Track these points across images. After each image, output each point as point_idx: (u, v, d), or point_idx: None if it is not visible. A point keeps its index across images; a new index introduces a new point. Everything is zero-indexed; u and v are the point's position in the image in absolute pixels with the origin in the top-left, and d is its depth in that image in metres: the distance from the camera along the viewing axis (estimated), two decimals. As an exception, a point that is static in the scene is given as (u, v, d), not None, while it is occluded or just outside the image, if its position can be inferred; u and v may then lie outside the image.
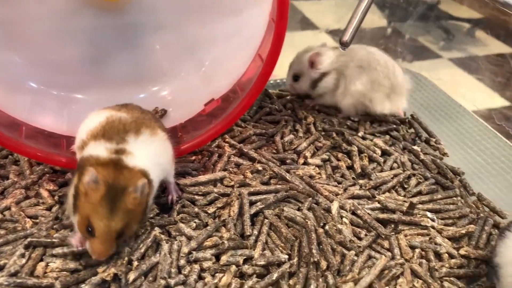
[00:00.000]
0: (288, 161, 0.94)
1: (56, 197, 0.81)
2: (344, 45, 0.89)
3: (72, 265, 0.70)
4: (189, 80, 0.95)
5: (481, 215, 0.85)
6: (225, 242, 0.73)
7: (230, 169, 0.91)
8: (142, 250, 0.72)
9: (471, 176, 0.97)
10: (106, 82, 0.92)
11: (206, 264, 0.71)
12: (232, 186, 0.85)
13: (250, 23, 0.89)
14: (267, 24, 0.86)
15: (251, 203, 0.83)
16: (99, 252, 0.66)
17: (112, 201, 0.65)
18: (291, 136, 0.99)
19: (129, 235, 0.71)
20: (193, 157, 0.92)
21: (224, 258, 0.72)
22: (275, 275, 0.71)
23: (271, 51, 0.79)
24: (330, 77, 1.04)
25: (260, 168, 0.90)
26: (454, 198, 0.88)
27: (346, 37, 0.88)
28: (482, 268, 0.76)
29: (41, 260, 0.70)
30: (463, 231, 0.81)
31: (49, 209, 0.79)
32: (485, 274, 0.75)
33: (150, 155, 0.73)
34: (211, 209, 0.80)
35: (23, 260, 0.69)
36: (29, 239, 0.72)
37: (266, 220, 0.81)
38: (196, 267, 0.70)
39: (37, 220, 0.77)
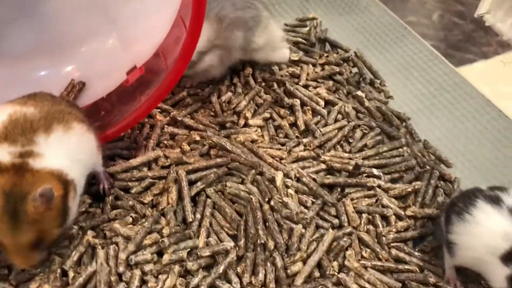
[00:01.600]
0: (227, 124, 0.87)
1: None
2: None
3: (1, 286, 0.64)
4: (104, 45, 0.82)
5: (427, 167, 0.84)
6: (165, 240, 0.69)
7: (165, 141, 0.83)
8: (75, 258, 0.67)
9: (417, 113, 0.94)
10: (4, 56, 0.78)
11: (147, 267, 0.67)
12: (168, 166, 0.79)
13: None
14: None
15: (191, 183, 0.77)
16: (18, 264, 0.62)
17: (13, 212, 0.58)
18: (229, 94, 0.91)
19: (50, 241, 0.64)
20: (122, 133, 0.83)
21: (166, 258, 0.68)
22: (221, 267, 0.68)
23: (193, 17, 0.68)
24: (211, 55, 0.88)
25: (198, 138, 0.83)
26: (400, 149, 0.86)
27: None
28: (428, 227, 0.76)
29: (-36, 288, 0.65)
30: (410, 189, 0.79)
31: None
32: (431, 232, 0.76)
33: (66, 153, 0.65)
34: (147, 198, 0.75)
35: None
36: None
37: (208, 200, 0.76)
38: (137, 272, 0.66)
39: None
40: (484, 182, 0.83)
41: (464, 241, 0.66)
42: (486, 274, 0.65)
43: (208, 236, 0.73)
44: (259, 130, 0.87)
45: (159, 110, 0.88)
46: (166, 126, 0.85)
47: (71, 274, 0.66)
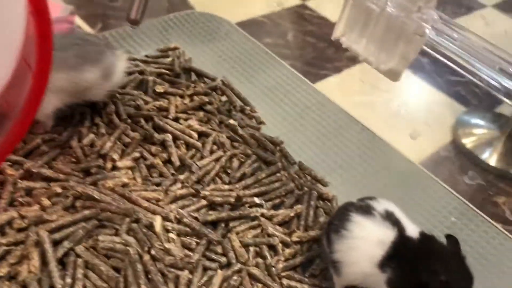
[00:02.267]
0: (93, 170, 0.78)
1: None
2: (133, 23, 0.74)
3: None
4: None
5: (305, 188, 0.84)
6: (30, 317, 0.59)
7: (20, 199, 0.72)
8: None
9: (288, 135, 0.95)
10: None
11: None
12: (26, 228, 0.68)
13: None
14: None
15: (56, 243, 0.68)
16: None
17: None
18: (91, 136, 0.83)
19: None
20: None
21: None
22: (103, 336, 0.60)
23: (39, 57, 0.60)
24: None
25: (59, 190, 0.73)
26: (278, 174, 0.85)
27: (134, 14, 0.72)
28: (314, 249, 0.76)
29: None
30: (292, 214, 0.79)
31: None
32: (318, 255, 0.76)
33: None
34: (2, 270, 0.63)
35: None
36: None
37: (79, 260, 0.67)
38: None
39: None
40: (359, 195, 0.87)
41: (345, 258, 0.66)
42: (372, 287, 0.67)
43: (84, 301, 0.64)
44: (129, 172, 0.80)
45: (9, 163, 0.76)
46: (19, 180, 0.74)
47: None
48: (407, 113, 1.08)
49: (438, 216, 0.89)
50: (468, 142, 1.01)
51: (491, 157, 0.99)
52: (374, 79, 1.15)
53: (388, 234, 0.64)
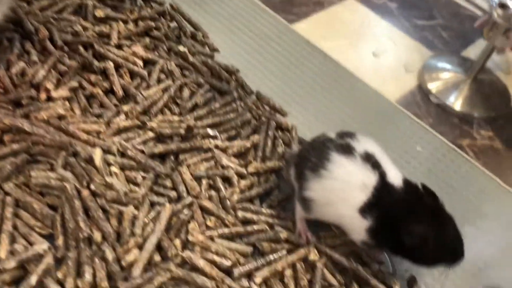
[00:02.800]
0: (24, 101, 0.70)
1: None
2: None
3: None
4: None
5: (263, 118, 0.78)
6: None
7: None
8: None
9: (246, 66, 0.88)
10: None
11: None
12: None
13: None
14: None
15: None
16: None
17: None
18: (21, 64, 0.73)
19: None
20: None
21: (-49, 282, 0.51)
22: (34, 278, 0.53)
23: None
24: None
25: (-17, 124, 0.65)
26: (233, 104, 0.79)
27: None
28: (272, 181, 0.71)
29: None
30: (248, 145, 0.73)
31: None
32: (277, 186, 0.70)
33: None
34: None
35: None
36: None
37: (8, 198, 0.60)
38: None
39: None
40: (320, 126, 0.81)
41: (322, 198, 0.61)
42: (346, 228, 0.62)
43: (13, 242, 0.57)
44: (66, 103, 0.72)
45: None
46: None
47: None
48: (374, 57, 1.02)
49: (404, 146, 0.85)
50: (434, 86, 0.97)
51: (457, 101, 0.96)
52: (341, 25, 1.08)
53: (370, 179, 0.59)
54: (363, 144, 0.62)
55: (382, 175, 0.59)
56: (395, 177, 0.60)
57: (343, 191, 0.60)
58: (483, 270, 0.70)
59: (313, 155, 0.62)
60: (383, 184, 0.59)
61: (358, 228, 0.60)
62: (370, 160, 0.60)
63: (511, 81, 1.06)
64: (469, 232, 0.73)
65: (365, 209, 0.59)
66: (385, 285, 0.62)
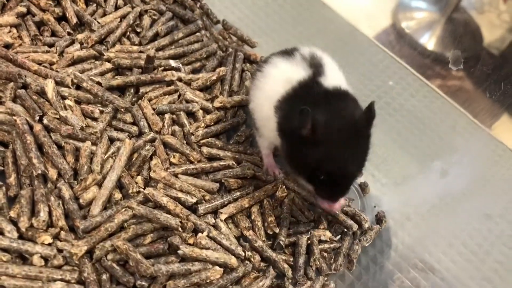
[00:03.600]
0: (-36, 27, 0.63)
1: None
2: None
3: None
4: None
5: (230, 49, 0.73)
6: None
7: None
8: None
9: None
10: None
11: None
12: None
13: None
14: None
15: None
16: None
17: None
18: (-42, -15, 0.66)
19: None
20: None
21: None
22: (-17, 217, 0.50)
23: None
24: None
25: None
26: (198, 33, 0.73)
27: None
28: (240, 116, 0.67)
29: None
30: (214, 78, 0.69)
31: None
32: (244, 121, 0.67)
33: None
34: None
35: None
36: None
37: (-49, 134, 0.55)
38: None
39: None
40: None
41: (255, 102, 0.57)
42: (266, 133, 0.57)
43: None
44: (13, 30, 0.65)
45: None
46: None
47: None
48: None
49: (376, 80, 0.83)
50: (407, 26, 0.93)
51: (430, 41, 0.93)
52: None
53: (299, 74, 0.52)
54: (313, 50, 0.56)
55: (315, 74, 0.52)
56: (331, 82, 0.52)
57: (267, 88, 0.54)
58: (451, 204, 0.70)
59: (259, 65, 0.58)
60: (310, 81, 0.52)
61: (272, 125, 0.53)
62: (310, 60, 0.54)
63: (484, 21, 1.03)
64: (439, 166, 0.73)
65: (279, 104, 0.52)
66: (354, 221, 0.61)
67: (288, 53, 0.56)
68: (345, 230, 0.61)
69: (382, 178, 0.70)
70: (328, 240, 0.60)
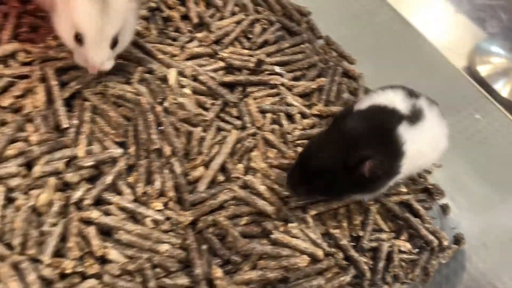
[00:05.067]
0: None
1: None
2: None
3: None
4: None
5: (331, 63, 0.79)
6: (35, 149, 0.56)
7: (25, 35, 0.66)
8: None
9: (318, 9, 0.87)
10: None
11: (13, 182, 0.53)
12: (31, 63, 0.63)
13: None
14: None
15: (63, 84, 0.63)
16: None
17: None
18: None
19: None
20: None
21: (37, 169, 0.55)
22: (109, 177, 0.57)
23: None
24: None
25: (67, 31, 0.68)
26: (302, 45, 0.79)
27: None
28: (333, 124, 0.72)
29: None
30: (314, 86, 0.74)
31: None
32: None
33: None
34: (6, 101, 0.59)
35: None
36: None
37: (87, 103, 0.63)
38: (1, 188, 0.52)
39: None
40: (385, 80, 0.81)
41: None
42: None
43: (89, 144, 0.60)
44: (143, 21, 0.74)
45: (14, -4, 0.69)
46: (24, 15, 0.67)
47: None
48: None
49: (463, 112, 0.85)
50: (483, 70, 0.94)
51: (504, 88, 0.94)
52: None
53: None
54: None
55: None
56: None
57: None
58: None
59: None
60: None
61: None
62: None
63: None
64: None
65: None
66: (435, 237, 0.63)
67: None
68: (425, 244, 0.64)
69: (463, 203, 0.72)
70: (407, 251, 0.62)
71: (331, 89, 0.75)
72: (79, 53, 0.60)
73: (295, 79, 0.76)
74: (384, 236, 0.63)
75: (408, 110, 0.59)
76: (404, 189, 0.67)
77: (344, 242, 0.60)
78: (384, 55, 0.88)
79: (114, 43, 0.59)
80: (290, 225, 0.59)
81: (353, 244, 0.61)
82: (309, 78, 0.76)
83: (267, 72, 0.74)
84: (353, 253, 0.60)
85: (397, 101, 0.59)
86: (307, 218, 0.61)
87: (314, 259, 0.58)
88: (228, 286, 0.53)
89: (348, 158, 0.53)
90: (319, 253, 0.57)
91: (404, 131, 0.56)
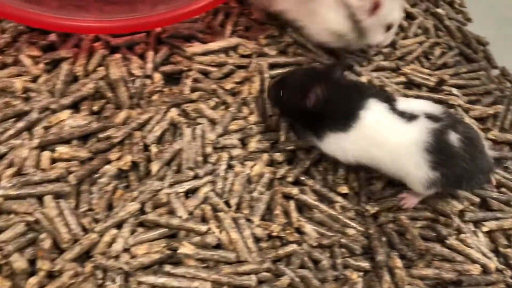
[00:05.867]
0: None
1: (41, 65, 0.67)
2: None
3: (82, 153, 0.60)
4: None
5: (506, 92, 0.81)
6: (253, 127, 0.65)
7: (240, 31, 0.78)
8: (158, 134, 0.63)
9: (496, 39, 0.89)
10: None
11: (235, 152, 0.64)
12: (249, 56, 0.74)
13: None
14: None
15: (271, 77, 0.73)
16: None
17: None
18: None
19: None
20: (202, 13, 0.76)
21: (252, 145, 0.65)
22: (307, 162, 0.65)
23: None
24: None
25: (275, 33, 0.78)
26: (479, 72, 0.83)
27: None
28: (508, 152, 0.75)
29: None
30: (491, 111, 0.77)
31: (34, 80, 0.66)
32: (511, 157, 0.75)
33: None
34: (228, 85, 0.70)
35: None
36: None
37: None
38: (225, 155, 0.63)
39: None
40: None
41: None
42: None
43: (288, 132, 0.69)
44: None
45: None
46: (242, 15, 0.79)
47: (153, 149, 0.62)
48: None
49: None
50: None
51: None
52: None
53: None
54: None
55: None
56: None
57: None
58: None
59: None
60: None
61: None
62: None
63: None
64: None
65: None
66: None
67: None
68: None
69: None
70: None
71: (506, 117, 0.78)
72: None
73: (469, 102, 0.80)
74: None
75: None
76: None
77: (516, 263, 0.63)
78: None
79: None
80: (463, 235, 0.63)
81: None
82: (483, 103, 0.79)
83: (445, 92, 0.78)
84: (529, 274, 0.62)
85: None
86: (478, 233, 0.65)
87: (485, 270, 0.61)
88: (405, 277, 0.58)
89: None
90: (492, 265, 0.61)
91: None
